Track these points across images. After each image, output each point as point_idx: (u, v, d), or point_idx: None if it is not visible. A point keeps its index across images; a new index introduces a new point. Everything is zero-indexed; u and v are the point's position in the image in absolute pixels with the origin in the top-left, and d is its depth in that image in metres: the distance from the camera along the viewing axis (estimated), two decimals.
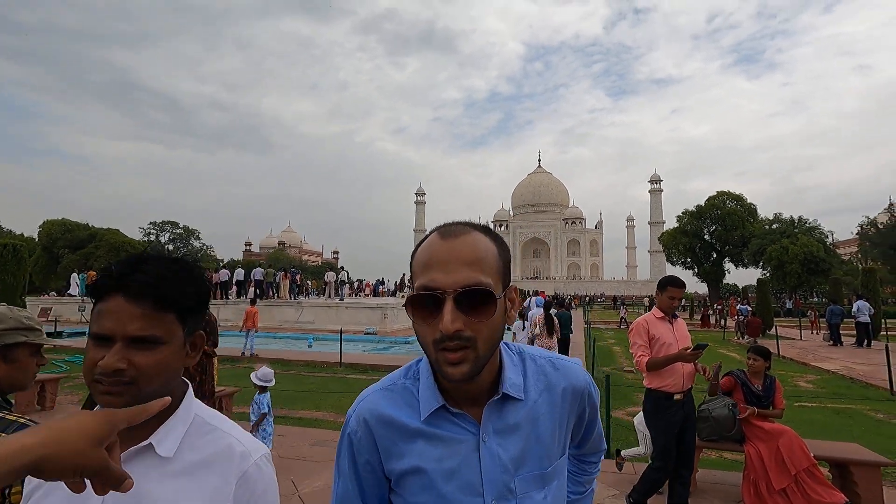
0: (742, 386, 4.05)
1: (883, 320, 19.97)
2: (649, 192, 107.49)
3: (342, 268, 40.04)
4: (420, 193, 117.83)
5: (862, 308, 14.92)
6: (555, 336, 8.79)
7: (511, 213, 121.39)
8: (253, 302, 13.40)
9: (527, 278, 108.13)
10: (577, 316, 26.77)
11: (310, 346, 14.66)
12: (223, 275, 21.96)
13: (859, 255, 58.10)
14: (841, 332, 16.60)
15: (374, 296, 34.88)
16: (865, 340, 15.51)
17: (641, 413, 4.46)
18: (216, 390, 5.40)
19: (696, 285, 59.16)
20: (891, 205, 57.98)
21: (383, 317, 19.08)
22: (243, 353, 11.79)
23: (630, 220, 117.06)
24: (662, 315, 3.42)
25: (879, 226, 54.47)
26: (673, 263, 51.64)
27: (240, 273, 22.60)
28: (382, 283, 39.67)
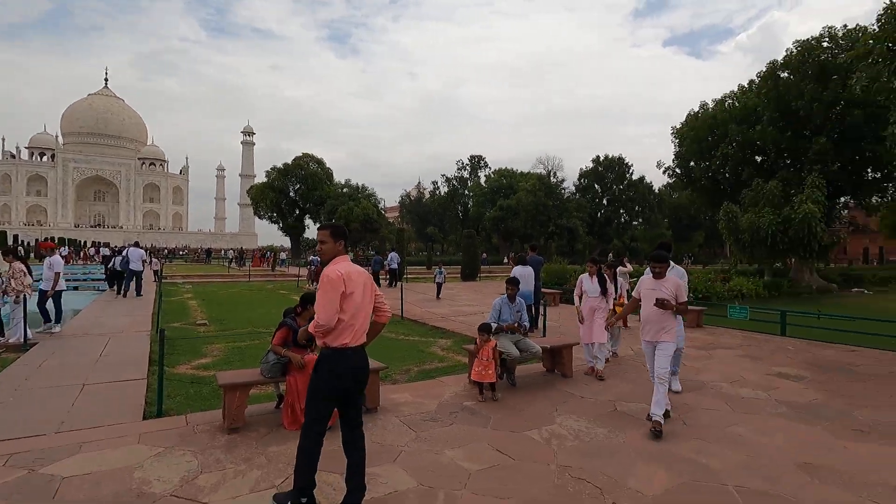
0: (295, 333, 4.42)
1: (406, 267, 27.30)
2: (242, 143, 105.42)
3: None
4: None
5: (393, 258, 19.80)
6: None
7: (60, 140, 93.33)
8: None
9: (87, 226, 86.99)
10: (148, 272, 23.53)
11: None
12: None
13: (399, 219, 76.79)
14: (381, 277, 21.57)
15: None
16: (395, 282, 20.68)
17: None
18: None
19: (280, 239, 63.19)
20: (419, 183, 78.94)
21: None
22: None
23: (221, 169, 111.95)
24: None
25: (412, 198, 73.61)
26: (261, 217, 53.08)
27: None
28: None
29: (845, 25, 20.94)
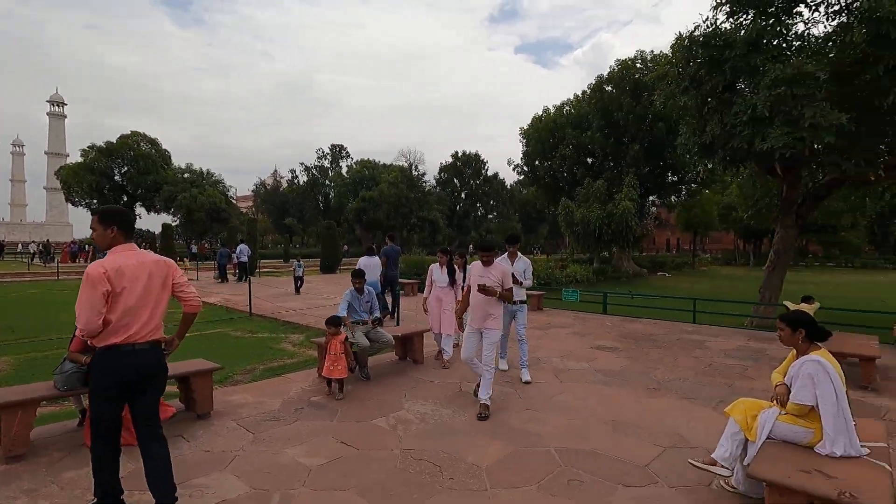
0: None
1: (260, 260, 25.46)
2: (48, 115, 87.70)
3: None
4: None
5: (243, 250, 18.25)
6: None
7: None
8: None
9: None
10: None
11: None
12: None
13: (253, 209, 71.21)
14: (229, 271, 19.80)
15: None
16: (245, 276, 19.11)
17: None
18: None
19: None
20: (275, 171, 74.07)
21: None
22: None
23: (19, 145, 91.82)
24: None
25: (267, 187, 68.73)
26: (75, 204, 44.76)
27: None
28: None
29: (652, 51, 24.93)
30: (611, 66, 26.02)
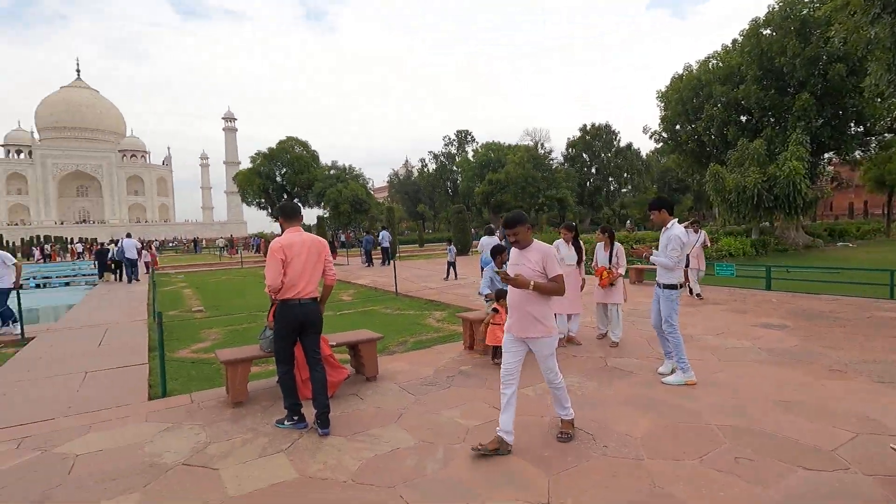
0: None
1: (398, 246, 27.47)
2: (224, 129, 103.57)
3: None
4: None
5: (385, 236, 19.85)
6: None
7: (36, 136, 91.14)
8: None
9: (72, 223, 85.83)
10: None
11: None
12: None
13: (389, 199, 76.52)
14: (372, 256, 21.74)
15: None
16: (388, 261, 20.80)
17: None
18: None
19: (271, 225, 62.75)
20: (406, 161, 78.34)
21: None
22: None
23: (204, 158, 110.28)
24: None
25: (400, 177, 73.21)
26: (248, 204, 52.63)
27: None
28: None
29: None
30: (769, 6, 22.39)
